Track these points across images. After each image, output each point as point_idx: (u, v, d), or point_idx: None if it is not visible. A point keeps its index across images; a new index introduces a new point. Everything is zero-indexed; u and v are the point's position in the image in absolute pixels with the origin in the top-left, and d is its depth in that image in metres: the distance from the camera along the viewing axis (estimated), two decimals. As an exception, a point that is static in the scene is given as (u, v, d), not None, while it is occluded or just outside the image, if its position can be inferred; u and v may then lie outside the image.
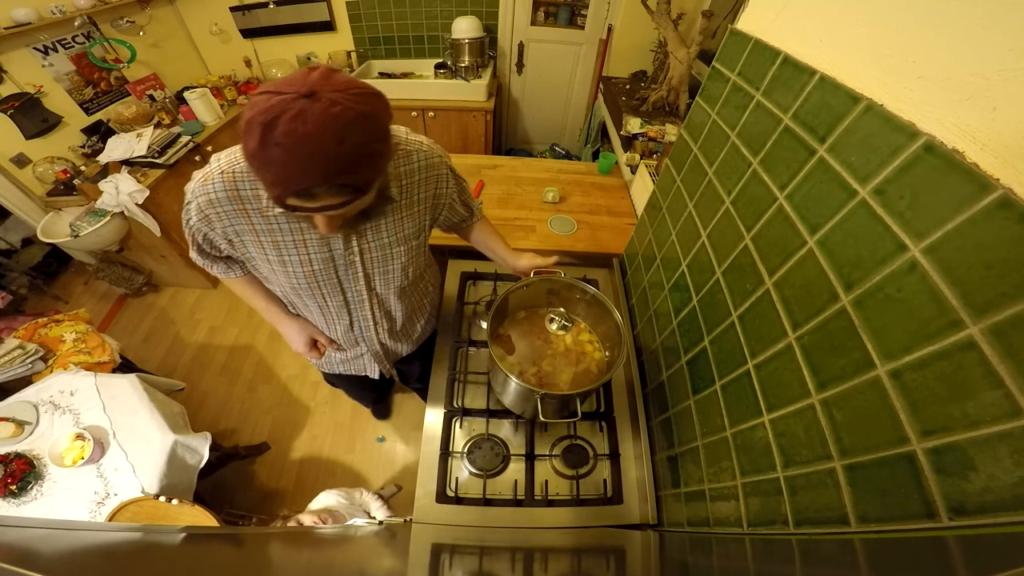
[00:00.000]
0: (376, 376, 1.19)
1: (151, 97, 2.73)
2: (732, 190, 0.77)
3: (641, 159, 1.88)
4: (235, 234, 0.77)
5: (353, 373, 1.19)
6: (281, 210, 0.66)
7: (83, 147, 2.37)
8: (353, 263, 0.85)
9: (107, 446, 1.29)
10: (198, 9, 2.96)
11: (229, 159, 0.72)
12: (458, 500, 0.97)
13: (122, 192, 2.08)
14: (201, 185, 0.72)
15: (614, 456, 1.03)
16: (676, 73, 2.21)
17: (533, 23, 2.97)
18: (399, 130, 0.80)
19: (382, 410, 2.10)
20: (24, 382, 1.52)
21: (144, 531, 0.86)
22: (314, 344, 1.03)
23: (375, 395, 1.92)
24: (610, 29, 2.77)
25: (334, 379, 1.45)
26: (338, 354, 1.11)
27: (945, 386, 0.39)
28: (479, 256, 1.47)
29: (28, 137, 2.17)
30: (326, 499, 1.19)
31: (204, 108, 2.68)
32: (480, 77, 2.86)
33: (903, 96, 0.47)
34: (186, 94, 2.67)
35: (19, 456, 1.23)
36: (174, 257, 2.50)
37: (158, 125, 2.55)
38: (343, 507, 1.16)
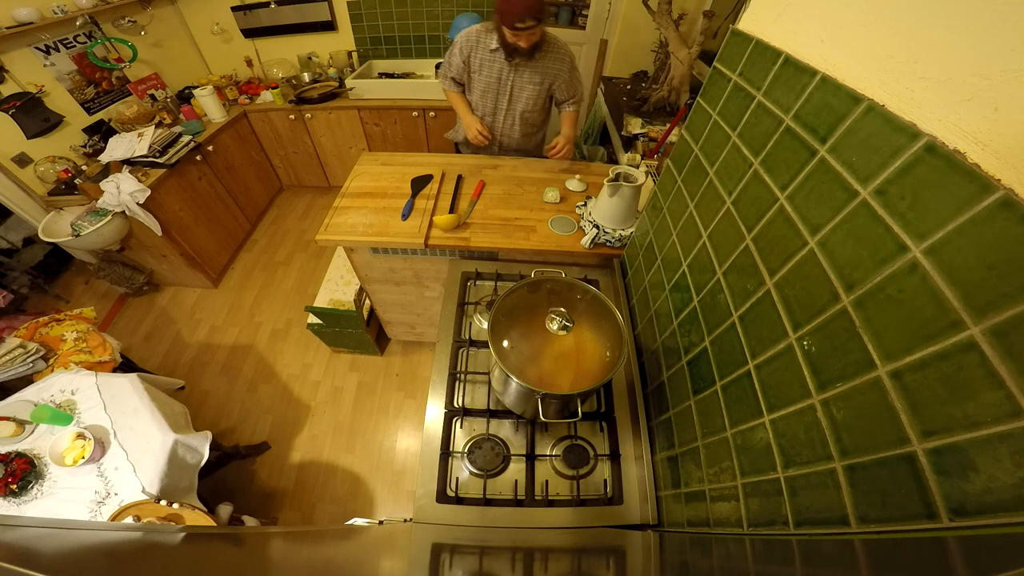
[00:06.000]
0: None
1: (152, 97, 2.74)
2: (733, 190, 0.77)
3: (642, 159, 1.88)
4: (468, 57, 1.65)
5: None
6: (494, 48, 1.58)
7: (84, 146, 2.38)
8: (506, 86, 1.69)
9: (108, 445, 1.29)
10: (200, 9, 2.96)
11: (472, 30, 1.61)
12: (458, 500, 0.97)
13: (123, 191, 2.09)
14: (465, 35, 1.62)
15: (614, 456, 1.03)
16: (677, 73, 2.21)
17: (534, 23, 2.97)
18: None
19: None
20: (25, 381, 1.53)
21: (144, 531, 0.87)
22: (478, 132, 1.77)
23: None
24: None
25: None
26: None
27: (946, 387, 0.39)
28: (480, 256, 1.49)
29: (29, 136, 2.18)
30: None
31: (214, 104, 2.72)
32: (481, 77, 2.86)
33: (904, 97, 0.47)
34: (196, 91, 2.68)
35: (20, 455, 1.24)
36: (175, 256, 2.50)
37: (159, 125, 2.56)
38: None
